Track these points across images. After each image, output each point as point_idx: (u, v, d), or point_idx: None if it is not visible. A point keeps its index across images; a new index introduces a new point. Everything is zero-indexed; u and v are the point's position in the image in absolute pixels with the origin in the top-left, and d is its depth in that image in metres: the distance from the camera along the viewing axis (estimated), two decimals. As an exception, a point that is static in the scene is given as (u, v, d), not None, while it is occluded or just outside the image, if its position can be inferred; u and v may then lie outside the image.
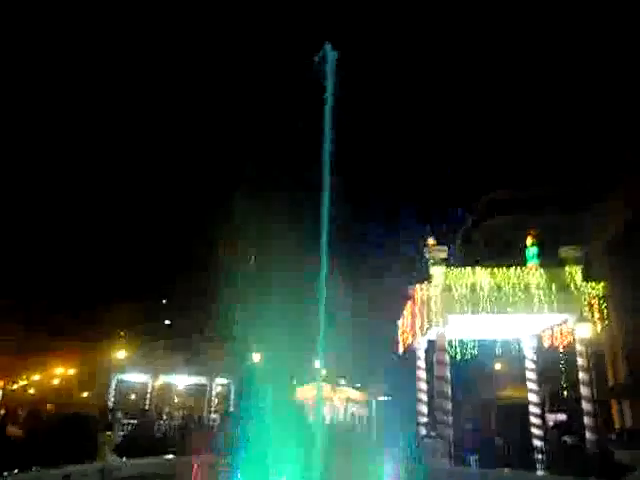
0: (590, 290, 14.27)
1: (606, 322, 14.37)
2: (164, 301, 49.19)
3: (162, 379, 30.93)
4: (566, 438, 16.76)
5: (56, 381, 45.26)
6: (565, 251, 14.73)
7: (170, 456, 12.13)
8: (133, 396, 38.80)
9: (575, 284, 14.29)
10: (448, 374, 14.24)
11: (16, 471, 8.42)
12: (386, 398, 33.95)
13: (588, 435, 14.06)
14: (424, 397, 16.20)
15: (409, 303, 16.09)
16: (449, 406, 13.97)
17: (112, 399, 28.87)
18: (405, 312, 17.01)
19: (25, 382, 45.04)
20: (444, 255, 14.51)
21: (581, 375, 14.49)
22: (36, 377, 44.61)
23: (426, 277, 14.40)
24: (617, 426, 21.93)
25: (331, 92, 8.71)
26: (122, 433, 16.39)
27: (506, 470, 11.89)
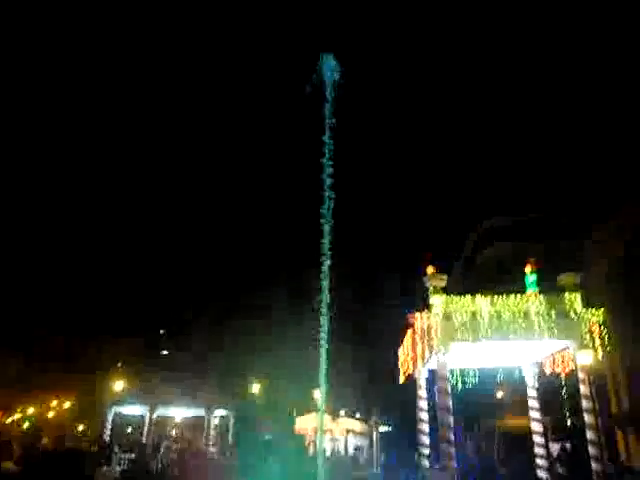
0: (590, 316, 14.22)
1: (607, 349, 14.30)
2: (162, 331, 48.82)
3: (160, 411, 30.45)
4: (559, 470, 16.53)
5: (51, 414, 44.55)
6: (564, 278, 14.76)
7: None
8: (129, 429, 38.16)
9: (575, 311, 14.25)
10: (450, 404, 14.07)
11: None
12: (388, 429, 33.43)
13: (593, 465, 13.83)
14: (426, 428, 15.98)
15: (409, 332, 16.02)
16: (452, 437, 13.76)
17: (109, 432, 28.38)
18: (405, 341, 16.92)
19: (20, 415, 44.30)
20: (444, 283, 14.50)
21: (584, 403, 14.33)
22: (31, 410, 43.88)
23: (426, 305, 14.37)
24: (623, 455, 21.64)
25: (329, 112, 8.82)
26: (119, 468, 16.07)
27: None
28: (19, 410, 43.61)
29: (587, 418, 14.20)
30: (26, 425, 43.13)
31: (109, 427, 28.67)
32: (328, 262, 8.46)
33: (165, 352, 42.46)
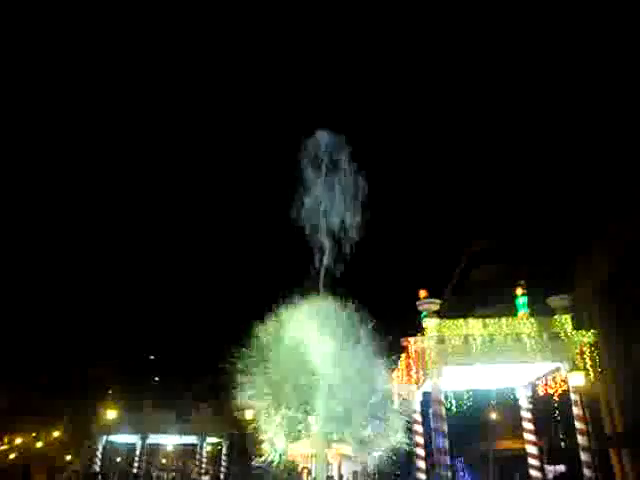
0: (580, 338, 14.45)
1: (599, 370, 14.48)
2: (152, 357, 48.18)
3: (151, 439, 29.99)
4: None
5: (39, 444, 43.59)
6: (554, 300, 15.00)
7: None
8: (119, 459, 37.41)
9: (565, 332, 14.49)
10: (445, 427, 14.13)
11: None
12: (382, 453, 33.13)
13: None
14: (421, 451, 15.95)
15: (403, 355, 16.12)
16: (448, 460, 13.81)
17: (99, 462, 27.86)
18: (400, 364, 17.00)
19: (7, 446, 43.25)
20: (437, 307, 14.70)
21: (577, 425, 14.43)
22: (18, 440, 42.90)
23: (420, 329, 14.52)
24: (618, 477, 21.62)
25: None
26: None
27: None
28: (6, 441, 42.59)
29: (581, 440, 14.29)
30: (12, 456, 42.09)
31: (99, 457, 28.16)
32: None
33: (157, 378, 41.95)
